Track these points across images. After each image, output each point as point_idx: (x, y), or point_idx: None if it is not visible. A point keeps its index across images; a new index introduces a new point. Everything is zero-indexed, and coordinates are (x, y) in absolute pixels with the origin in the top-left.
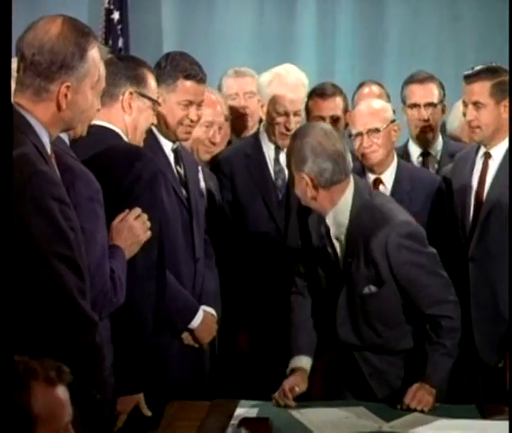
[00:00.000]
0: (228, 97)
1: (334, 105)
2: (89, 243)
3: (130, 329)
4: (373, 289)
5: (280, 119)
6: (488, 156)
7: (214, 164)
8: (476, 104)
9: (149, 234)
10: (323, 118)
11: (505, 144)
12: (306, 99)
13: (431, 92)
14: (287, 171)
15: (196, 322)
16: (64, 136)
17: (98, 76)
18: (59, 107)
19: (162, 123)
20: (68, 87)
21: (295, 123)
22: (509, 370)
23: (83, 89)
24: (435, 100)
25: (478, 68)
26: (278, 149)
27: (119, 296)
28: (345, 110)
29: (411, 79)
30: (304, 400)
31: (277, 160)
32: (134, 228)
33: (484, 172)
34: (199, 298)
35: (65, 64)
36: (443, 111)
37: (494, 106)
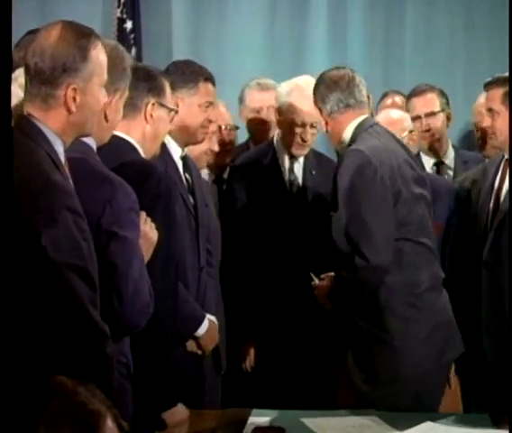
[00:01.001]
0: (251, 110)
1: None
2: (133, 252)
3: (151, 346)
4: (332, 214)
5: (298, 130)
6: (507, 163)
7: (230, 172)
8: (490, 110)
9: (157, 233)
10: None
11: None
12: None
13: (430, 101)
14: (301, 181)
15: (202, 330)
16: (92, 143)
17: (125, 85)
18: (69, 111)
19: (181, 127)
20: (74, 89)
21: (311, 134)
22: (509, 371)
23: (91, 90)
24: (436, 109)
25: (496, 76)
26: (292, 158)
27: (152, 306)
28: None
29: (412, 93)
30: (329, 408)
31: (291, 169)
32: (147, 233)
33: (502, 179)
34: (202, 306)
35: (67, 67)
36: (449, 119)
37: (506, 113)
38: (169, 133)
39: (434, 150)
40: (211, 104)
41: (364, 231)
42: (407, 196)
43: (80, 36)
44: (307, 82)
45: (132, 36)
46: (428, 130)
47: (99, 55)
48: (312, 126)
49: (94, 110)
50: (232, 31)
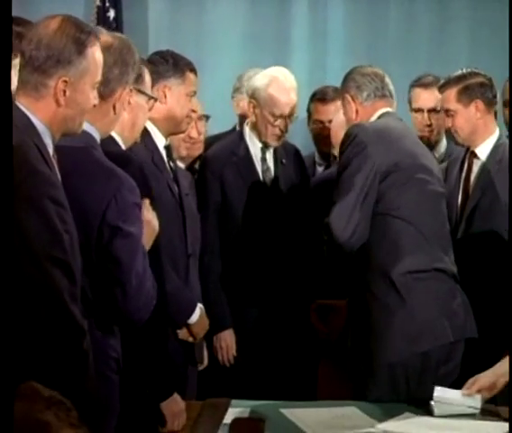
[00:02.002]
0: None
1: (335, 109)
2: (136, 248)
3: (142, 336)
4: None
5: (276, 121)
6: (473, 155)
7: (202, 163)
8: (448, 111)
9: (157, 221)
10: (322, 122)
11: (490, 142)
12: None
13: (435, 97)
14: (273, 170)
15: (194, 317)
16: (96, 134)
17: (133, 78)
18: (57, 103)
19: (167, 117)
20: (65, 81)
21: (289, 124)
22: (509, 369)
23: (82, 87)
24: (439, 106)
25: (449, 77)
26: (264, 148)
27: (155, 299)
28: None
29: (417, 83)
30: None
31: (263, 158)
32: (150, 220)
33: (469, 170)
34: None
35: (62, 58)
36: None
37: (463, 110)
38: (154, 122)
39: (428, 144)
40: (195, 93)
41: (337, 198)
42: (399, 175)
43: (79, 31)
44: (283, 73)
45: (115, 26)
46: (430, 125)
47: (95, 55)
48: (290, 117)
49: (82, 107)
50: (211, 21)
